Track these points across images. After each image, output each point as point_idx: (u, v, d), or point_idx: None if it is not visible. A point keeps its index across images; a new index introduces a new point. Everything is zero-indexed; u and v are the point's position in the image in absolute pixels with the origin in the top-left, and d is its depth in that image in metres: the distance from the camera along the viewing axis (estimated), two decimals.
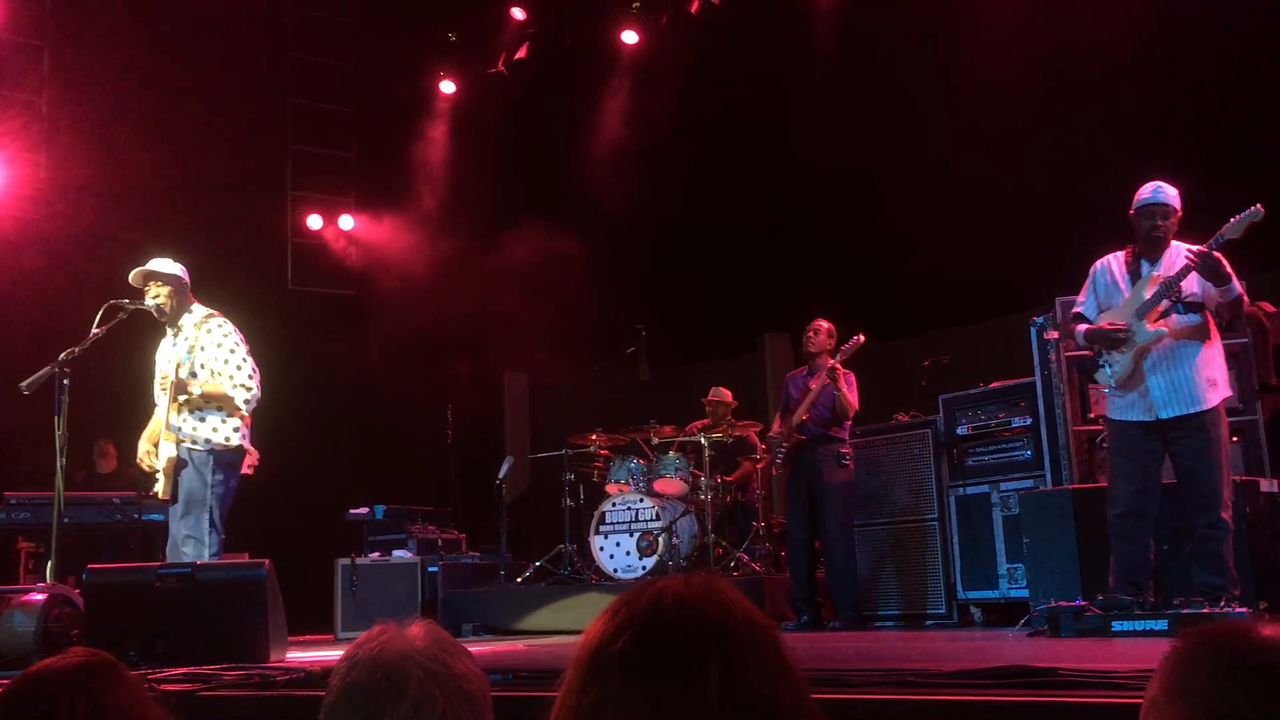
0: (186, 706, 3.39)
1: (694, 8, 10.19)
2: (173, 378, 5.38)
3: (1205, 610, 4.45)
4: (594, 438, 8.42)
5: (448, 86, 11.56)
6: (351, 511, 8.91)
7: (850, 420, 7.01)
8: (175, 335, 5.57)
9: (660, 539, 7.71)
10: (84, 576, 5.01)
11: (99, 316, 5.39)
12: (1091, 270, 5.19)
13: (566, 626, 7.27)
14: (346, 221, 11.43)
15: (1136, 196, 4.97)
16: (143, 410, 5.76)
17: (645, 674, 1.09)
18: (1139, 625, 4.58)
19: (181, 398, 5.38)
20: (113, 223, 9.12)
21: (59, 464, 5.29)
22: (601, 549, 7.92)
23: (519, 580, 8.21)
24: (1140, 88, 7.64)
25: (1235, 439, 5.41)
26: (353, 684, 1.42)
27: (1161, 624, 4.50)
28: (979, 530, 6.65)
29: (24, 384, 5.29)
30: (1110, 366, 4.96)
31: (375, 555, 8.37)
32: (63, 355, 5.31)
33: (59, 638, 4.71)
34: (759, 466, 8.12)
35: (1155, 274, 4.90)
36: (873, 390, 7.14)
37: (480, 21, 11.26)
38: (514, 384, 12.12)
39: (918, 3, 8.80)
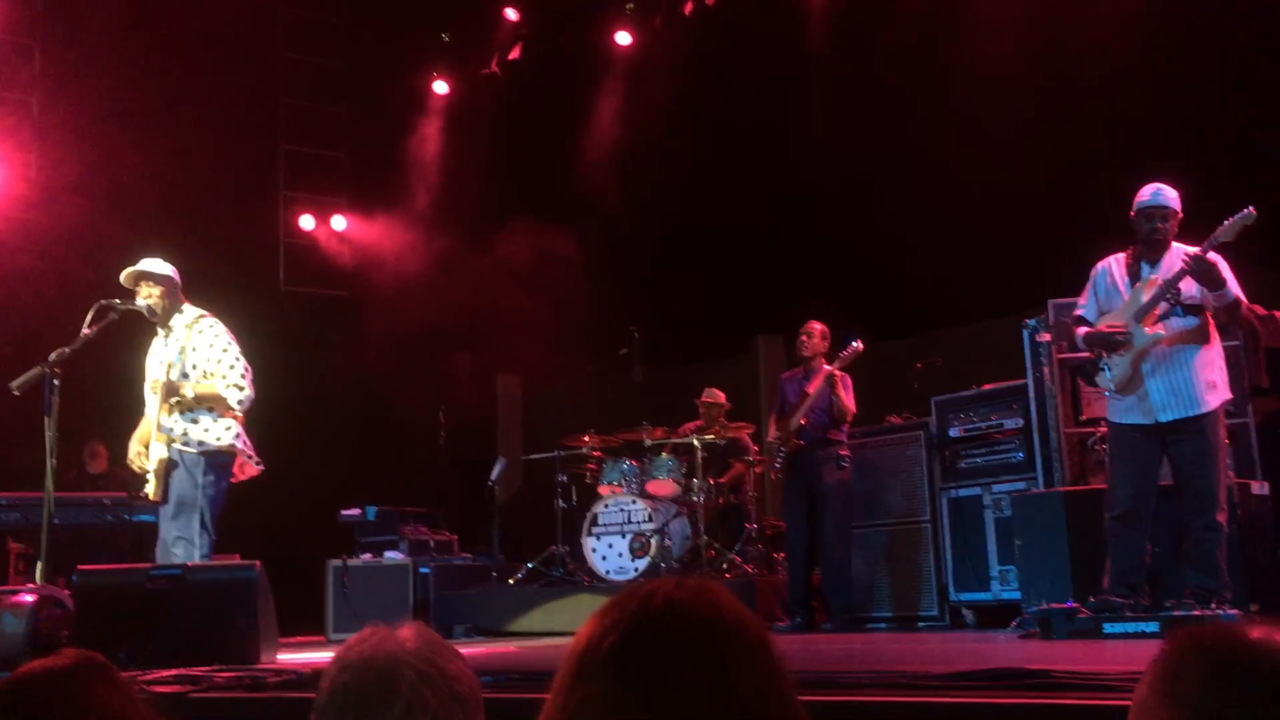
0: (177, 708, 3.39)
1: (688, 9, 10.20)
2: (163, 379, 5.37)
3: (1196, 612, 4.47)
4: (587, 439, 8.42)
5: (441, 87, 11.56)
6: (343, 512, 8.89)
7: (849, 423, 7.02)
8: (166, 336, 5.55)
9: (652, 540, 7.71)
10: (74, 578, 4.99)
11: (90, 317, 5.37)
12: (1092, 272, 5.19)
13: (559, 628, 7.26)
14: (339, 222, 11.41)
15: (1136, 198, 4.98)
16: (134, 411, 5.75)
17: (633, 674, 1.09)
18: (1130, 627, 4.59)
19: (173, 399, 5.36)
20: (104, 223, 9.09)
21: (49, 464, 5.26)
22: (594, 550, 7.92)
23: (511, 582, 8.20)
24: (1137, 89, 7.65)
25: (1226, 441, 5.42)
26: (343, 686, 1.42)
27: (1153, 626, 4.51)
28: (971, 532, 6.66)
29: (14, 384, 5.27)
30: (1109, 369, 4.97)
31: (367, 556, 8.36)
32: (53, 355, 5.29)
33: (49, 639, 4.69)
34: (756, 470, 8.12)
35: (1153, 277, 4.92)
36: (865, 392, 7.15)
37: (474, 22, 11.26)
38: (507, 385, 12.11)
39: (915, 2, 8.81)
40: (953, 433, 6.86)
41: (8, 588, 5.97)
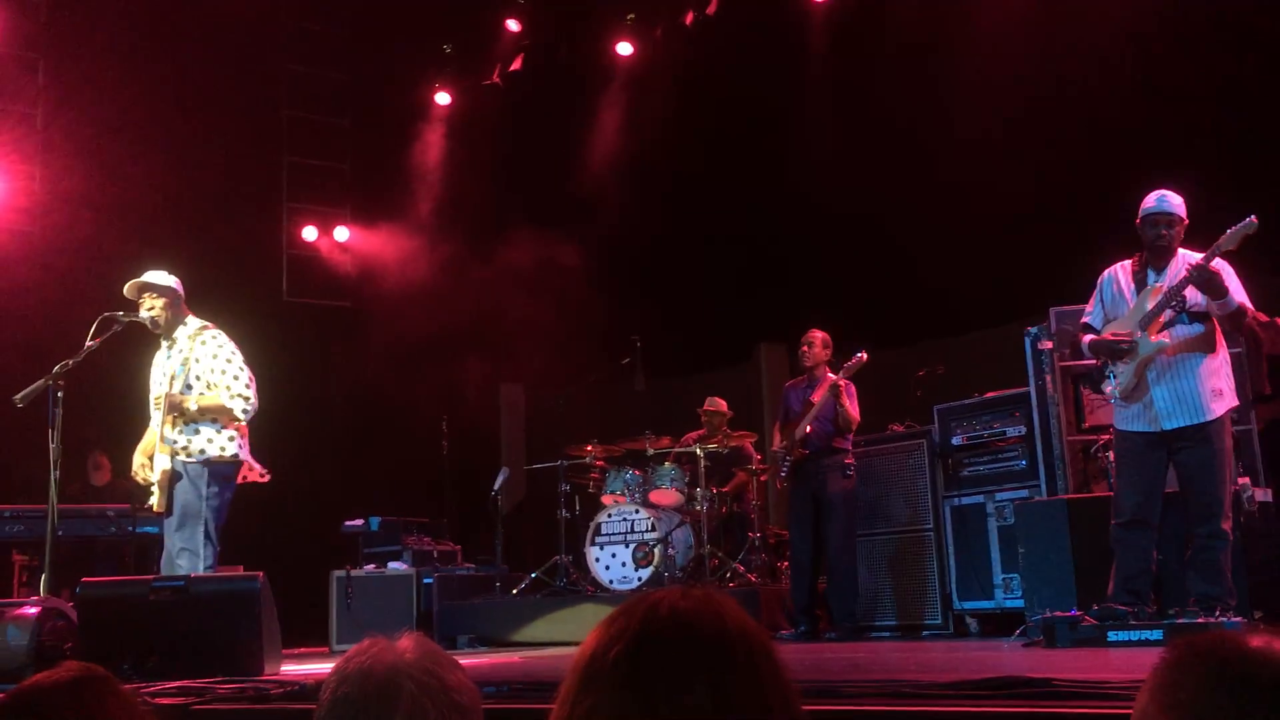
0: None
1: (688, 19, 10.22)
2: (167, 391, 5.38)
3: (1200, 620, 4.46)
4: (590, 449, 8.42)
5: (443, 98, 11.59)
6: (347, 523, 8.89)
7: (852, 432, 7.02)
8: (170, 347, 5.56)
9: (656, 550, 7.70)
10: (78, 589, 4.99)
11: (93, 329, 5.39)
12: (1099, 279, 5.19)
13: (562, 638, 7.26)
14: (342, 233, 11.43)
15: (1142, 205, 4.98)
16: (137, 423, 5.76)
17: (636, 683, 1.10)
18: (1134, 635, 4.58)
19: (176, 415, 5.38)
20: (108, 235, 9.12)
21: (53, 476, 5.27)
22: (597, 560, 7.91)
23: (514, 592, 8.19)
24: (1139, 96, 7.66)
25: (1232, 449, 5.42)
26: (343, 697, 1.42)
27: (1157, 634, 4.50)
28: (974, 540, 6.65)
29: (18, 396, 5.29)
30: (1115, 377, 4.97)
31: (370, 567, 8.36)
32: (57, 368, 5.30)
33: (52, 651, 4.69)
34: (761, 479, 8.12)
35: (1158, 284, 4.92)
36: (868, 400, 7.15)
37: (475, 33, 11.29)
38: (510, 395, 12.12)
39: (913, 13, 8.83)
40: (955, 441, 6.86)
41: (11, 600, 5.99)
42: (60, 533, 5.62)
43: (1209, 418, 4.79)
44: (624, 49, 10.76)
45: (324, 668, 4.88)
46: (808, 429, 6.96)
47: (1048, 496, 6.00)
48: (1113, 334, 4.99)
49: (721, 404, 8.46)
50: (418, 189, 11.42)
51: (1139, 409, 4.93)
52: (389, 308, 10.65)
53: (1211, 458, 4.78)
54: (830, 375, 6.97)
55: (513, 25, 11.10)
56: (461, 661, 1.54)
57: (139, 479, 5.55)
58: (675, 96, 10.12)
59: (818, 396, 6.94)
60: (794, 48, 9.79)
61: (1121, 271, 5.12)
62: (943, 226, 8.43)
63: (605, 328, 9.60)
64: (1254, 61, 7.22)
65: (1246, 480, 5.19)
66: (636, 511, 7.90)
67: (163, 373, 5.51)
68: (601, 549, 7.93)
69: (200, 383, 5.45)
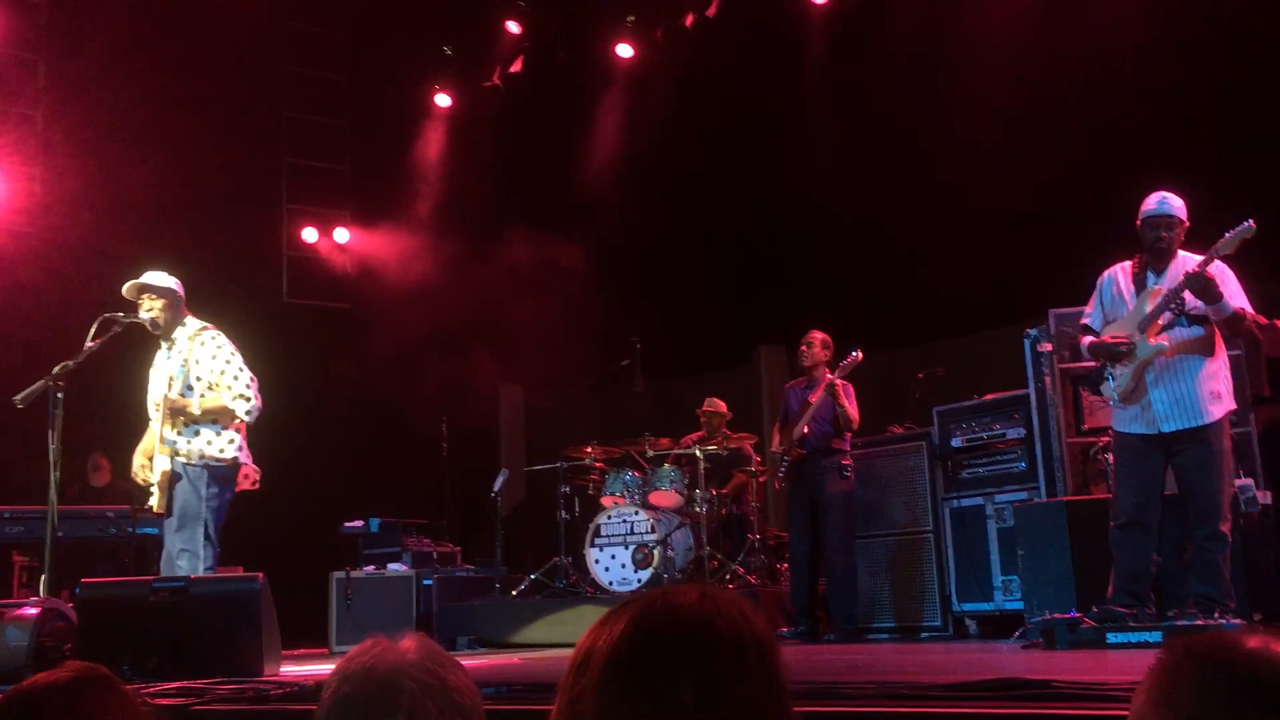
0: None
1: (688, 21, 10.23)
2: (167, 393, 5.38)
3: (1200, 622, 4.47)
4: (589, 450, 8.42)
5: (443, 99, 11.59)
6: (346, 525, 8.89)
7: (851, 432, 7.03)
8: (169, 348, 5.56)
9: (655, 552, 7.71)
10: (78, 590, 4.99)
11: (93, 330, 5.39)
12: (1099, 281, 5.19)
13: (562, 639, 7.25)
14: (342, 234, 11.44)
15: (1142, 207, 4.98)
16: (137, 424, 5.76)
17: (625, 677, 1.11)
18: (1134, 637, 4.59)
19: (179, 419, 5.38)
20: (108, 236, 9.12)
21: (53, 477, 5.27)
22: (597, 562, 7.91)
23: (514, 593, 8.19)
24: (1139, 99, 7.66)
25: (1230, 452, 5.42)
26: (345, 697, 1.42)
27: (1156, 636, 4.51)
28: (974, 542, 6.66)
29: (18, 397, 5.28)
30: (1114, 379, 4.97)
31: (370, 568, 8.36)
32: (57, 369, 5.30)
33: (52, 652, 4.70)
34: (760, 480, 8.12)
35: (1158, 286, 4.92)
36: (867, 402, 7.15)
37: (475, 35, 11.29)
38: (509, 396, 12.12)
39: (912, 15, 8.83)
40: (955, 442, 6.86)
41: (11, 601, 5.99)
42: (60, 534, 5.62)
43: (1207, 421, 4.80)
44: (624, 50, 10.77)
45: (323, 669, 4.89)
46: (804, 429, 6.96)
47: (1047, 498, 6.00)
48: (1112, 336, 4.99)
49: (721, 405, 8.46)
50: (418, 190, 11.43)
51: (1137, 411, 4.93)
52: (389, 309, 10.66)
53: (1210, 460, 4.78)
54: (829, 375, 6.97)
55: (513, 27, 11.11)
56: (461, 663, 1.54)
57: (139, 480, 5.55)
58: (675, 98, 10.13)
59: (815, 397, 6.95)
60: (794, 49, 9.80)
61: (1121, 273, 5.11)
62: (942, 228, 8.44)
63: (605, 329, 9.60)
64: (1254, 64, 7.22)
65: (1249, 481, 5.19)
66: (636, 513, 7.90)
67: (162, 374, 5.51)
68: (601, 550, 7.93)
69: (201, 383, 5.45)
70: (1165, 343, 4.86)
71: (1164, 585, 5.07)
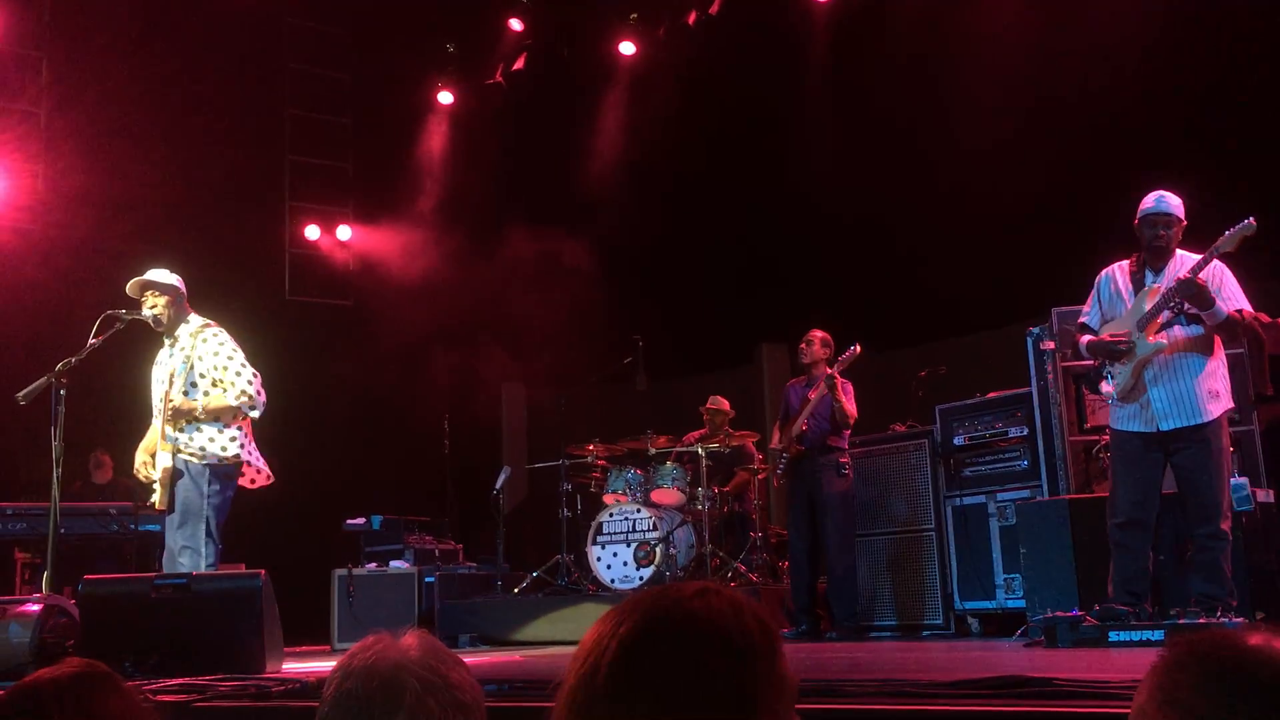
0: (182, 717, 3.39)
1: (691, 19, 10.23)
2: (169, 391, 5.38)
3: (1201, 620, 4.46)
4: (591, 448, 8.43)
5: (445, 97, 11.60)
6: (348, 522, 8.89)
7: (850, 429, 7.03)
8: (172, 346, 5.57)
9: (657, 549, 7.71)
10: (80, 587, 5.00)
11: (96, 327, 5.39)
12: (1096, 280, 5.19)
13: (563, 637, 7.26)
14: (344, 232, 11.45)
15: (1140, 206, 4.98)
16: (139, 421, 5.76)
17: (628, 674, 1.11)
18: (1135, 635, 4.59)
19: (184, 419, 5.39)
20: (111, 233, 9.13)
21: (55, 474, 5.27)
22: (599, 559, 7.92)
23: (516, 591, 8.19)
24: (1138, 98, 7.66)
25: (1232, 449, 5.41)
26: (347, 694, 1.43)
27: (1158, 634, 4.51)
28: (976, 540, 6.65)
29: (20, 394, 5.29)
30: (1112, 378, 4.97)
31: (372, 566, 8.37)
32: (59, 366, 5.31)
33: (54, 648, 4.70)
34: (759, 477, 8.12)
35: (1156, 285, 4.91)
36: (870, 401, 7.15)
37: (478, 32, 11.29)
38: (511, 394, 12.12)
39: (913, 16, 8.83)
40: (957, 441, 6.86)
41: (14, 597, 6.00)
42: (62, 530, 5.64)
43: (1206, 419, 4.79)
44: (626, 49, 10.76)
45: (325, 666, 4.89)
46: (803, 425, 6.97)
47: (1049, 497, 6.00)
48: (1110, 335, 4.99)
49: (724, 403, 8.47)
50: (420, 188, 11.43)
51: (1136, 409, 4.93)
52: (391, 306, 10.66)
53: (1209, 459, 4.78)
54: (828, 371, 6.97)
55: (515, 25, 11.11)
56: (463, 660, 1.54)
57: (141, 477, 5.56)
58: (677, 96, 10.13)
59: (815, 393, 6.96)
60: (796, 48, 9.80)
61: (1119, 272, 5.11)
62: (944, 227, 8.44)
63: (607, 327, 9.60)
64: (1254, 64, 7.21)
65: (1244, 480, 5.18)
66: (638, 511, 7.90)
67: (165, 371, 5.51)
68: (603, 548, 7.93)
69: (205, 380, 5.45)
70: (1164, 341, 4.86)
71: (1163, 584, 5.07)
